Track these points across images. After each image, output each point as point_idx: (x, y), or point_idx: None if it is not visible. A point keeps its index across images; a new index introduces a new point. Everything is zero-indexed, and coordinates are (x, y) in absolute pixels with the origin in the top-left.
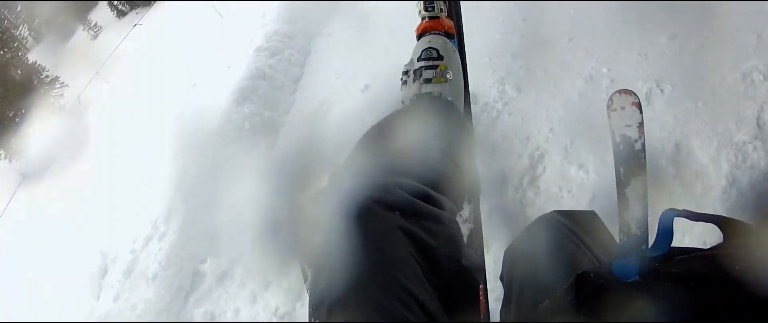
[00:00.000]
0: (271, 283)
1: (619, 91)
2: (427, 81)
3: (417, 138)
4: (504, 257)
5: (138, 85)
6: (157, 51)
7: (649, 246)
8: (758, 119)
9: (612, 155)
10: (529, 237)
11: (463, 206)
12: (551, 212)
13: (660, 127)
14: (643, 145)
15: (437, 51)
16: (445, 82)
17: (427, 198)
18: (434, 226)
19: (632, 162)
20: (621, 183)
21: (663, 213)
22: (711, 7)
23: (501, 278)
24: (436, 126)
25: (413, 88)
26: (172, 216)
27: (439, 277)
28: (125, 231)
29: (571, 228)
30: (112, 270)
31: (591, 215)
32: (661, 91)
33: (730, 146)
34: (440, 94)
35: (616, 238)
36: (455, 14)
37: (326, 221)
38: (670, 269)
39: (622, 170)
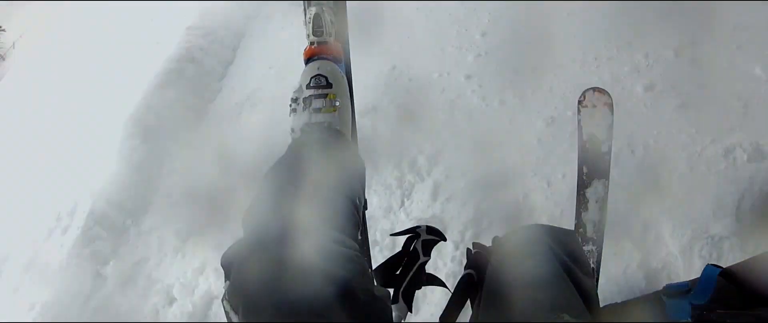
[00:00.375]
0: (175, 300)
1: (594, 89)
2: (317, 110)
3: (317, 180)
4: (483, 263)
5: (52, 60)
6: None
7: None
8: (737, 210)
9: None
10: (516, 243)
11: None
12: (536, 224)
13: (626, 199)
14: (610, 148)
15: (326, 78)
16: (335, 111)
17: (336, 241)
18: (347, 264)
19: (597, 163)
20: (582, 183)
21: (707, 266)
22: (697, 63)
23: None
24: (331, 164)
25: (303, 116)
26: (78, 209)
27: (357, 310)
28: (28, 221)
29: (555, 242)
30: (13, 260)
31: (572, 234)
32: (632, 152)
33: (704, 239)
34: (330, 124)
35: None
36: (343, 38)
37: (250, 271)
38: (723, 319)
39: (585, 170)
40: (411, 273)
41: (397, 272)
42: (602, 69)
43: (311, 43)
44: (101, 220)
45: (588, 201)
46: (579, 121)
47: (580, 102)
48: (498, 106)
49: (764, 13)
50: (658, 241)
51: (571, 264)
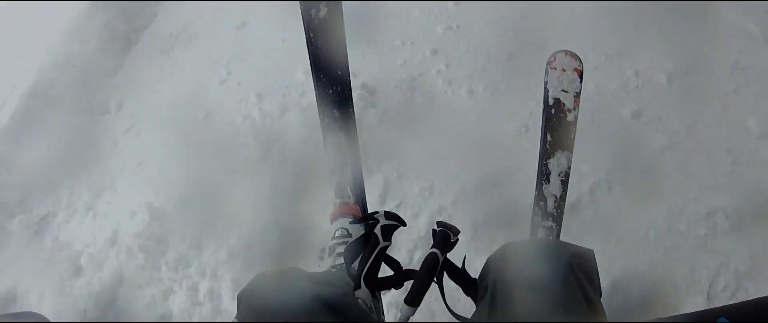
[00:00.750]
0: (82, 272)
1: (565, 52)
2: (340, 255)
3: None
4: (494, 265)
5: None
6: None
7: None
8: (710, 287)
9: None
10: (534, 252)
11: None
12: (557, 240)
13: (596, 249)
14: (576, 118)
15: (347, 230)
16: None
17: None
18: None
19: (562, 132)
20: (545, 153)
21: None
22: (690, 97)
23: (483, 283)
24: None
25: (328, 261)
26: None
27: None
28: None
29: (573, 257)
30: None
31: (591, 253)
32: (609, 189)
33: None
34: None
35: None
36: (361, 201)
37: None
38: None
39: (549, 138)
40: (371, 258)
41: (359, 258)
42: (586, 77)
43: (334, 204)
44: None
45: (550, 174)
46: (545, 84)
47: (549, 62)
48: (465, 95)
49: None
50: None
51: (586, 284)
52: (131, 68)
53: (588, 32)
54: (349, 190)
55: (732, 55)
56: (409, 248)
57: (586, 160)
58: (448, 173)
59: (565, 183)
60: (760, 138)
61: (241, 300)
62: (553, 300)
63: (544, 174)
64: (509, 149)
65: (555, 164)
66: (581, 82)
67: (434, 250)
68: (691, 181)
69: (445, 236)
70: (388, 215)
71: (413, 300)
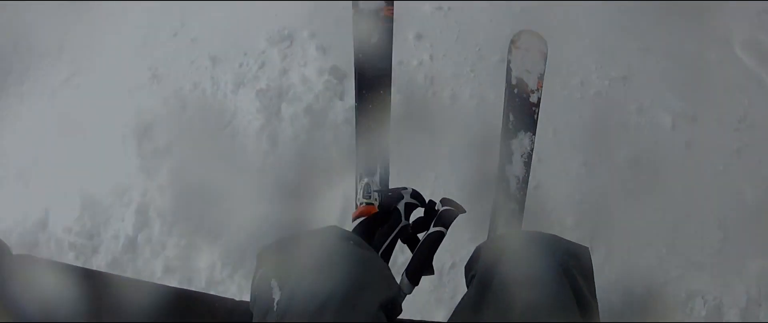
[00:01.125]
0: None
1: (529, 31)
2: None
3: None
4: (483, 254)
5: None
6: None
7: None
8: None
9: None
10: (527, 245)
11: None
12: (551, 234)
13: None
14: (539, 100)
15: None
16: None
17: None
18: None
19: (525, 113)
20: (508, 133)
21: None
22: (691, 150)
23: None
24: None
25: None
26: None
27: None
28: None
29: (569, 255)
30: None
31: (587, 251)
32: (591, 247)
33: None
34: None
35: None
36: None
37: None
38: None
39: (511, 118)
40: (391, 236)
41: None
42: (585, 101)
43: (359, 204)
44: None
45: (513, 154)
46: (508, 63)
47: (513, 41)
48: (448, 101)
49: None
50: None
51: (582, 283)
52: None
53: (602, 41)
54: (375, 193)
55: (741, 105)
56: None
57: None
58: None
59: (527, 164)
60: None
61: (264, 255)
62: (544, 298)
63: (506, 155)
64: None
65: (517, 145)
66: (545, 63)
67: (441, 229)
68: (677, 255)
69: (452, 216)
70: (415, 194)
71: (415, 277)
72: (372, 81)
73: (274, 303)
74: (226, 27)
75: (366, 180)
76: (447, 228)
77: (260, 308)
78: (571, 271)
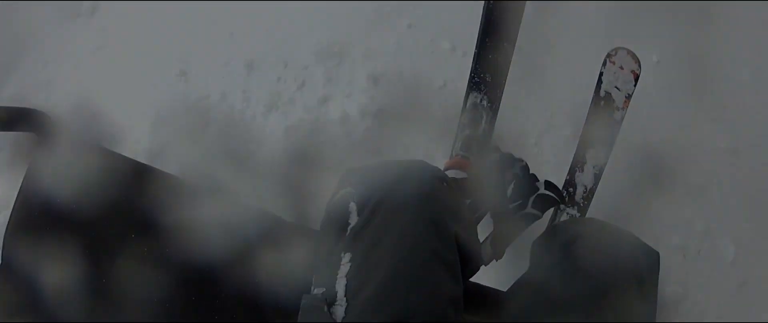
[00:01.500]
0: None
1: (628, 50)
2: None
3: None
4: (541, 250)
5: None
6: None
7: None
8: None
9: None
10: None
11: None
12: (603, 221)
13: None
14: (622, 118)
15: None
16: None
17: None
18: None
19: (606, 127)
20: (585, 142)
21: None
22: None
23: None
24: None
25: None
26: None
27: None
28: None
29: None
30: None
31: (658, 258)
32: None
33: None
34: None
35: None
36: None
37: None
38: None
39: (593, 128)
40: (511, 219)
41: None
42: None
43: (456, 154)
44: None
45: (585, 163)
46: (601, 74)
47: (609, 55)
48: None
49: None
50: None
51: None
52: None
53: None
54: (474, 148)
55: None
56: None
57: None
58: None
59: (598, 177)
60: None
61: (348, 177)
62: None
63: (579, 162)
64: None
65: (593, 155)
66: (635, 85)
67: (537, 213)
68: None
69: (551, 203)
70: (549, 185)
71: (498, 248)
72: (499, 27)
73: (349, 228)
74: (270, 24)
75: (467, 131)
76: (543, 213)
77: (333, 226)
78: (639, 278)
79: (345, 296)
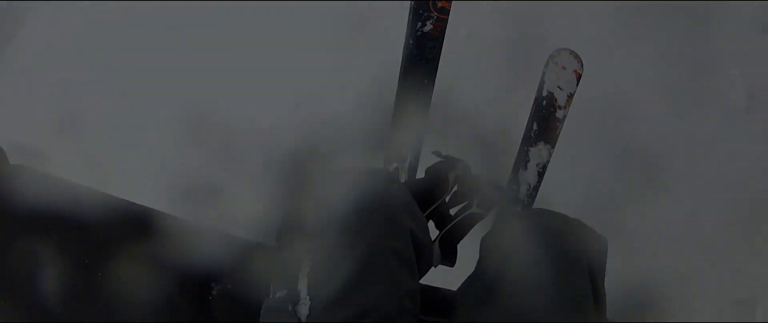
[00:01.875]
0: None
1: (569, 51)
2: None
3: None
4: (490, 245)
5: None
6: None
7: None
8: None
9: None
10: (543, 229)
11: None
12: (570, 219)
13: None
14: (565, 117)
15: None
16: None
17: None
18: None
19: (548, 125)
20: (528, 140)
21: None
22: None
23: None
24: None
25: None
26: None
27: None
28: None
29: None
30: None
31: (605, 243)
32: None
33: None
34: None
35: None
36: None
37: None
38: None
39: (534, 127)
40: (434, 205)
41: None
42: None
43: None
44: None
45: (529, 161)
46: (543, 74)
47: (552, 56)
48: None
49: None
50: None
51: (598, 279)
52: None
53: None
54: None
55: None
56: None
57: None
58: None
59: (541, 174)
60: None
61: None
62: (563, 297)
63: (522, 161)
64: None
65: (535, 153)
66: (577, 84)
67: (480, 212)
68: None
69: (495, 201)
70: (467, 169)
71: (447, 251)
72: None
73: (306, 229)
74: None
75: (396, 165)
76: (487, 213)
77: (290, 231)
78: (590, 266)
79: (308, 295)
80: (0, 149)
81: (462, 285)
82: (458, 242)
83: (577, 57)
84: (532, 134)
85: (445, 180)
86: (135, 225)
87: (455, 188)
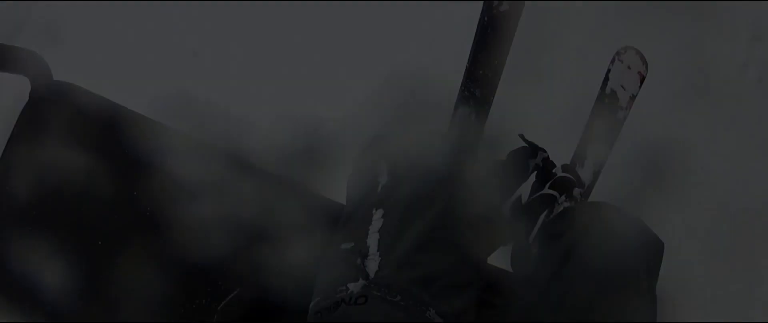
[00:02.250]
0: None
1: (637, 50)
2: None
3: None
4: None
5: None
6: None
7: None
8: None
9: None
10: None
11: None
12: (642, 222)
13: None
14: (625, 118)
15: None
16: None
17: None
18: None
19: (609, 123)
20: (587, 138)
21: None
22: None
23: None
24: None
25: None
26: None
27: None
28: None
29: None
30: None
31: (662, 247)
32: None
33: None
34: None
35: None
36: None
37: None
38: None
39: (595, 124)
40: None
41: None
42: None
43: None
44: None
45: (586, 159)
46: (608, 71)
47: (618, 53)
48: None
49: None
50: None
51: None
52: None
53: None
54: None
55: None
56: None
57: None
58: None
59: (597, 174)
60: None
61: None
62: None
63: (580, 158)
64: None
65: (593, 151)
66: (640, 86)
67: (554, 193)
68: None
69: (569, 185)
70: (548, 159)
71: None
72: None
73: (379, 186)
74: None
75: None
76: (561, 194)
77: (362, 187)
78: (647, 263)
79: (378, 251)
80: (44, 63)
81: (518, 278)
82: (532, 218)
83: (644, 60)
84: (593, 132)
85: (523, 167)
86: (182, 154)
87: (535, 174)
